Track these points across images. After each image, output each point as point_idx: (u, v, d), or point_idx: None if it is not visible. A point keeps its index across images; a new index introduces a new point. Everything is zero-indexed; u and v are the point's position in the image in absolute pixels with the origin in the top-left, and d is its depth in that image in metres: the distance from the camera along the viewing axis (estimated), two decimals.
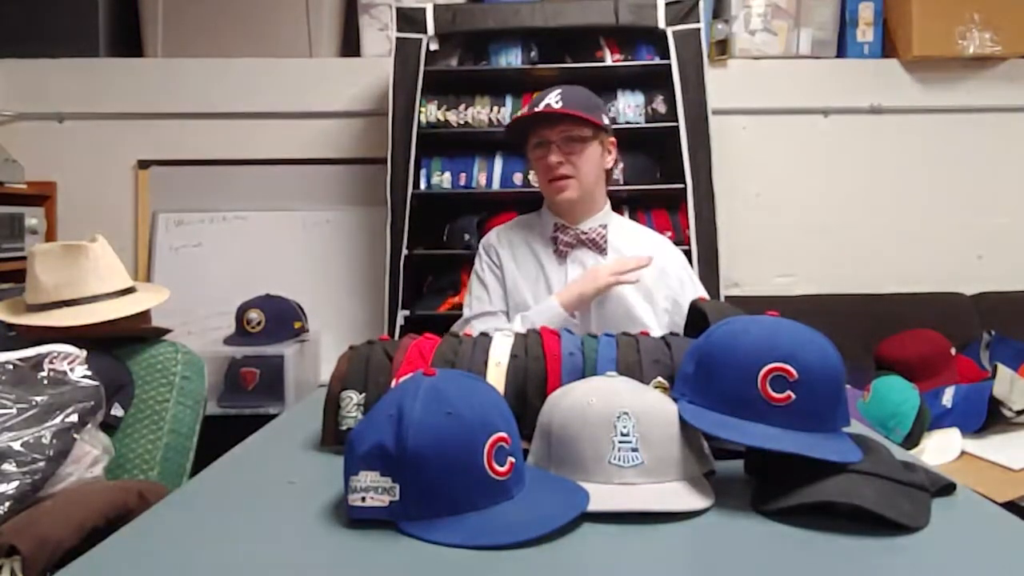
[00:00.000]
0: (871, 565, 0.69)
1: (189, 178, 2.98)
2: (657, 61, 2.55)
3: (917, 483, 0.81)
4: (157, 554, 0.73)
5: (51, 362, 1.27)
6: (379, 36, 2.95)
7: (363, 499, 0.75)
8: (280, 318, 2.59)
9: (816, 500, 0.76)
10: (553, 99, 1.49)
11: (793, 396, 0.81)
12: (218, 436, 1.35)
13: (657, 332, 1.44)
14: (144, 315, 1.54)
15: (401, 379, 0.96)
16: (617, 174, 2.57)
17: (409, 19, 2.54)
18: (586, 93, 1.56)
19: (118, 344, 1.46)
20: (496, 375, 1.02)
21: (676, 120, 2.51)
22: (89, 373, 1.27)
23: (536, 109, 1.51)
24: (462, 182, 2.63)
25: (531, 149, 1.58)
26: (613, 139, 1.61)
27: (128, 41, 3.05)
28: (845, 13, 2.95)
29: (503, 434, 0.78)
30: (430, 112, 2.58)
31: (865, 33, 2.95)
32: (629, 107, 2.58)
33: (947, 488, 0.85)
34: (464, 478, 0.75)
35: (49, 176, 2.95)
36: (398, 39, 2.54)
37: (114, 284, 1.48)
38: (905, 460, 0.88)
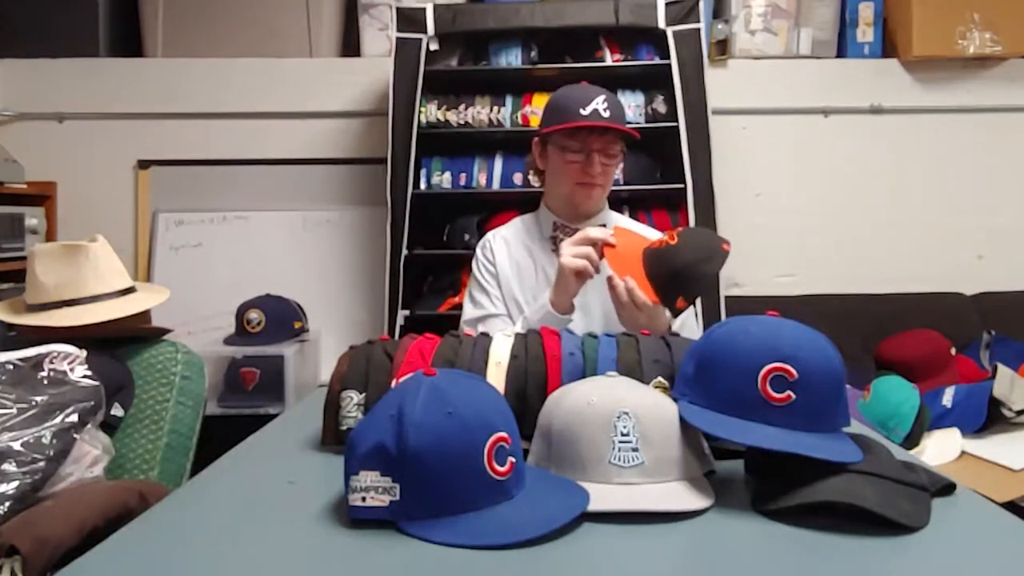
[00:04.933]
0: (871, 565, 0.69)
1: (189, 178, 2.98)
2: (657, 61, 2.55)
3: (917, 483, 0.81)
4: (157, 554, 0.73)
5: (51, 362, 1.27)
6: (379, 36, 2.95)
7: (363, 499, 0.75)
8: (280, 318, 2.60)
9: (816, 500, 0.76)
10: (601, 106, 1.46)
11: (793, 396, 0.81)
12: (218, 436, 1.35)
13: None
14: (144, 315, 1.54)
15: (401, 379, 0.96)
16: (617, 174, 2.57)
17: (409, 19, 2.54)
18: (622, 104, 1.55)
19: (118, 344, 1.46)
20: (496, 375, 1.01)
21: (676, 120, 2.51)
22: (89, 373, 1.27)
23: (584, 113, 1.45)
24: (462, 182, 2.63)
25: (562, 149, 1.51)
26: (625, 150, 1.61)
27: (128, 41, 3.06)
28: (845, 13, 2.95)
29: (503, 434, 0.78)
30: (430, 112, 2.58)
31: (865, 33, 2.95)
32: (629, 107, 2.59)
33: (947, 488, 0.85)
34: (464, 478, 0.75)
35: (49, 176, 2.95)
36: (398, 39, 2.54)
37: (114, 284, 1.48)
38: (905, 460, 0.88)
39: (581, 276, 1.37)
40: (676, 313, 1.29)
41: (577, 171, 1.51)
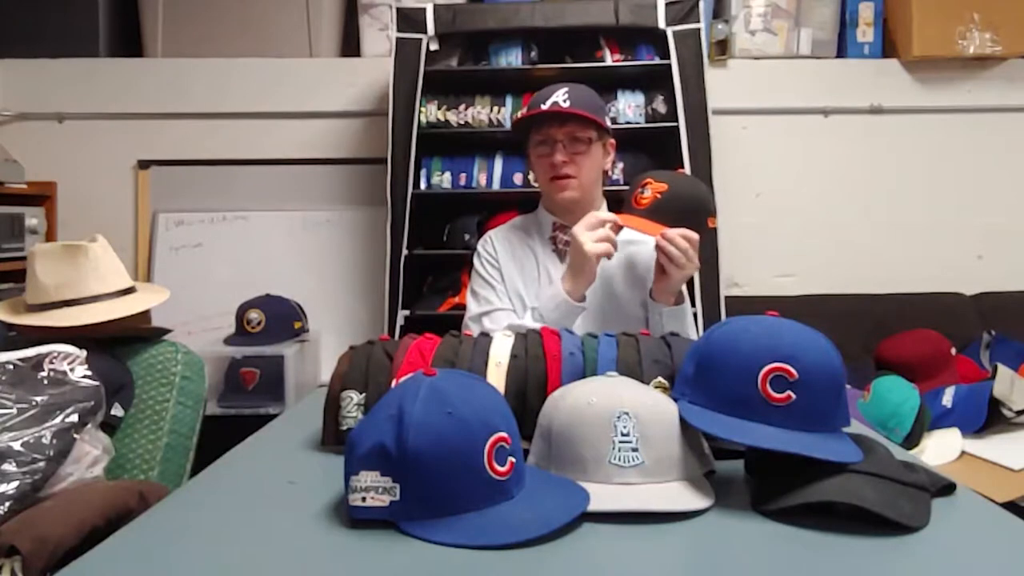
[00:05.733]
0: (871, 565, 0.69)
1: (189, 178, 2.98)
2: (657, 61, 2.55)
3: (917, 483, 0.81)
4: (157, 554, 0.73)
5: (51, 362, 1.27)
6: (379, 36, 2.95)
7: (363, 499, 0.75)
8: (280, 318, 2.60)
9: (816, 500, 0.76)
10: (561, 97, 1.48)
11: (793, 396, 0.81)
12: (218, 436, 1.35)
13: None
14: (144, 315, 1.54)
15: (401, 379, 0.96)
16: (617, 174, 2.58)
17: (409, 19, 2.54)
18: (591, 93, 1.55)
19: (118, 344, 1.46)
20: (496, 375, 1.01)
21: (676, 120, 2.51)
22: (89, 373, 1.27)
23: (543, 107, 1.49)
24: (462, 182, 2.63)
25: (534, 146, 1.56)
26: (613, 140, 1.61)
27: (128, 41, 3.06)
28: (845, 13, 2.95)
29: (503, 434, 0.78)
30: (430, 112, 2.58)
31: (865, 33, 2.95)
32: (629, 107, 2.59)
33: (947, 488, 0.85)
34: (464, 478, 0.75)
35: (49, 176, 2.95)
36: (398, 39, 2.54)
37: (114, 284, 1.48)
38: (905, 460, 0.88)
39: (600, 258, 1.41)
40: (714, 232, 1.40)
41: (547, 166, 1.53)
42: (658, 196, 1.36)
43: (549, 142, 1.52)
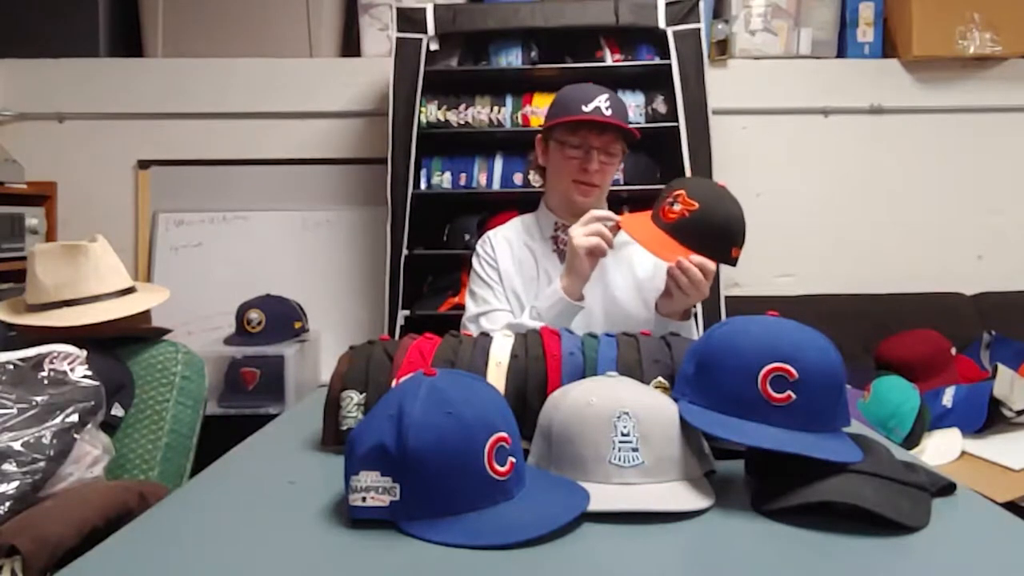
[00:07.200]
0: (871, 565, 0.69)
1: (189, 178, 2.98)
2: (657, 61, 2.55)
3: (917, 483, 0.81)
4: (157, 554, 0.73)
5: (51, 362, 1.27)
6: (379, 36, 2.95)
7: (364, 499, 0.75)
8: (280, 318, 2.60)
9: (816, 500, 0.76)
10: (603, 104, 1.46)
11: (793, 396, 0.81)
12: (218, 436, 1.35)
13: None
14: (144, 315, 1.54)
15: (401, 379, 0.96)
16: (617, 174, 2.57)
17: (409, 19, 2.54)
18: (624, 103, 1.54)
19: (118, 344, 1.46)
20: (496, 375, 1.02)
21: (676, 120, 2.51)
22: (89, 373, 1.27)
23: (585, 109, 1.46)
24: (462, 182, 2.63)
25: (562, 144, 1.52)
26: (627, 150, 1.61)
27: (128, 41, 3.06)
28: (845, 13, 2.95)
29: (503, 434, 0.78)
30: (430, 112, 2.58)
31: (865, 33, 2.95)
32: (629, 107, 2.58)
33: (947, 488, 0.85)
34: (464, 478, 0.75)
35: (49, 176, 2.96)
36: (398, 39, 2.54)
37: (114, 284, 1.48)
38: (905, 460, 0.88)
39: (594, 255, 1.38)
40: (734, 262, 1.34)
41: (575, 168, 1.51)
42: (686, 214, 1.28)
43: (584, 147, 1.50)
